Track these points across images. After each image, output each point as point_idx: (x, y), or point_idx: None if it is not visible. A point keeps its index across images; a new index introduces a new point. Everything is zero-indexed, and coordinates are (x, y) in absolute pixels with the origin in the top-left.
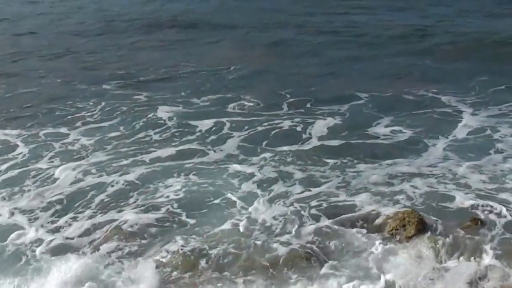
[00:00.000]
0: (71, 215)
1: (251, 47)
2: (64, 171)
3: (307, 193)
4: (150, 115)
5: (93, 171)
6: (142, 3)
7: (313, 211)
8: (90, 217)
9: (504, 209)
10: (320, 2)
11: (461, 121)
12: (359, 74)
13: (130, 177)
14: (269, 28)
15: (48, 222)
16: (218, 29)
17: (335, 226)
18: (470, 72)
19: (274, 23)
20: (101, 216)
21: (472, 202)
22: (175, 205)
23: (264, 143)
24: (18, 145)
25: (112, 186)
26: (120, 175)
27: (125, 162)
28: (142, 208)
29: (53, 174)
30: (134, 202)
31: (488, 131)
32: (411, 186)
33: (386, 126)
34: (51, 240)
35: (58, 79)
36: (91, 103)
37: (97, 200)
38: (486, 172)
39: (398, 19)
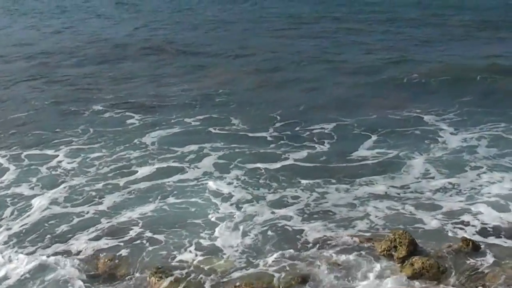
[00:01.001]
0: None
1: (240, 71)
2: (39, 198)
3: (274, 215)
4: (136, 139)
5: (69, 197)
6: (130, 31)
7: (276, 234)
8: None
9: (482, 227)
10: (305, 27)
11: (441, 141)
12: (346, 97)
13: (104, 201)
14: (257, 54)
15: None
16: (206, 55)
17: (304, 252)
18: (451, 94)
19: (262, 49)
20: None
21: (449, 221)
22: (145, 227)
23: (243, 164)
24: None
25: (83, 215)
26: (93, 200)
27: (102, 185)
28: (109, 231)
29: (27, 202)
30: (103, 226)
31: (467, 151)
32: (376, 207)
33: (368, 148)
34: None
35: (49, 102)
36: (81, 127)
37: (64, 228)
38: (463, 191)
39: (381, 44)
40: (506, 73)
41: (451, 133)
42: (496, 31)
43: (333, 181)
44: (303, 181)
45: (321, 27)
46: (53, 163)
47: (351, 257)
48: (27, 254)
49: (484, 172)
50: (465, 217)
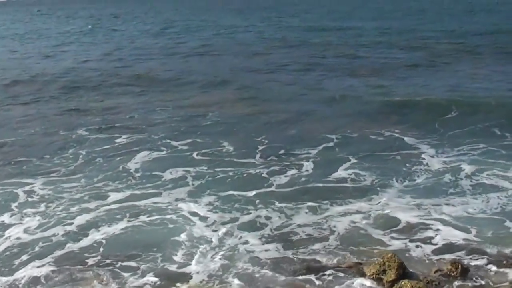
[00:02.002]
0: None
1: (226, 94)
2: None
3: (249, 240)
4: (120, 163)
5: (40, 223)
6: (115, 57)
7: (251, 259)
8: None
9: (469, 250)
10: (291, 52)
11: (422, 162)
12: (330, 118)
13: (72, 225)
14: (243, 77)
15: None
16: (193, 81)
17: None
18: (432, 115)
19: (248, 75)
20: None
21: (433, 245)
22: (110, 250)
23: (221, 187)
24: None
25: (51, 239)
26: (63, 222)
27: (75, 209)
28: (70, 256)
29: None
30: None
31: (447, 173)
32: (357, 232)
33: (349, 169)
34: None
35: (36, 125)
36: (66, 151)
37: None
38: (445, 215)
39: (366, 63)
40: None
41: (431, 156)
42: (479, 57)
43: (313, 205)
44: (281, 205)
45: (306, 52)
46: (34, 187)
47: (337, 281)
48: None
49: (465, 195)
50: (450, 240)
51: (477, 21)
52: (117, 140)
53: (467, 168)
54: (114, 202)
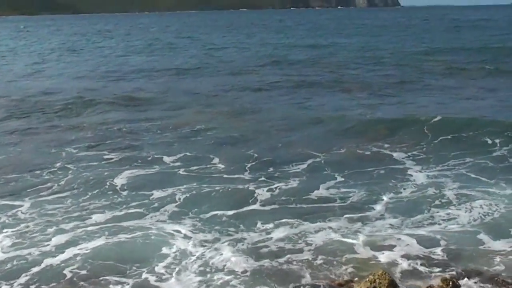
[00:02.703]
0: None
1: (214, 112)
2: None
3: (231, 259)
4: (107, 180)
5: (15, 241)
6: (102, 78)
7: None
8: None
9: (460, 266)
10: (280, 69)
11: (408, 179)
12: (318, 135)
13: (49, 245)
14: (232, 93)
15: None
16: (183, 98)
17: None
18: (419, 132)
19: (236, 89)
20: None
21: (422, 260)
22: (87, 269)
23: (208, 204)
24: None
25: (26, 258)
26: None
27: (53, 229)
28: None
29: None
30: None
31: (432, 189)
32: (343, 250)
33: (335, 187)
34: None
35: (23, 142)
36: (54, 168)
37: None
38: (429, 230)
39: (354, 80)
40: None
41: (417, 172)
42: (467, 74)
43: (299, 222)
44: (266, 223)
45: (293, 69)
46: (17, 206)
47: None
48: None
49: (451, 211)
50: (441, 256)
51: (464, 37)
52: (105, 157)
53: (455, 185)
54: (97, 221)
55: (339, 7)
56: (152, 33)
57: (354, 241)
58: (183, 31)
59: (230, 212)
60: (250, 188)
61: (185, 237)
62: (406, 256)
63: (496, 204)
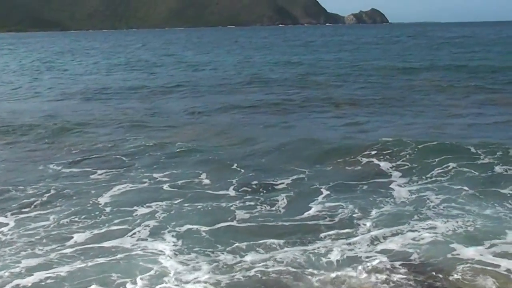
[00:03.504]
0: None
1: (200, 129)
2: None
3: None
4: (91, 198)
5: None
6: (88, 95)
7: None
8: None
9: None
10: (263, 82)
11: (393, 192)
12: (306, 151)
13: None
14: (216, 112)
15: None
16: (166, 115)
17: None
18: (403, 146)
19: (220, 107)
20: None
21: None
22: None
23: (191, 221)
24: None
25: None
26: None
27: (25, 253)
28: None
29: None
30: None
31: (415, 204)
32: (328, 270)
33: (319, 204)
34: None
35: (8, 159)
36: (39, 185)
37: None
38: (414, 246)
39: (340, 97)
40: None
41: (401, 185)
42: (452, 91)
43: (283, 241)
44: (247, 242)
45: (279, 87)
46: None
47: None
48: None
49: (429, 223)
50: (416, 269)
51: (442, 55)
52: (90, 175)
53: (438, 199)
54: (77, 241)
55: (327, 24)
56: (134, 51)
57: (337, 260)
58: (165, 49)
59: (213, 230)
60: (234, 206)
61: (166, 256)
62: (394, 276)
63: (475, 218)
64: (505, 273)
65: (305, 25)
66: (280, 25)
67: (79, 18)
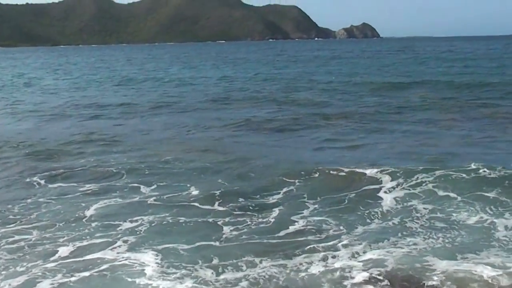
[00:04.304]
0: None
1: (192, 144)
2: None
3: None
4: (77, 211)
5: None
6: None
7: None
8: None
9: None
10: (250, 100)
11: (380, 203)
12: (291, 161)
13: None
14: (208, 127)
15: None
16: (152, 133)
17: None
18: (391, 158)
19: (212, 124)
20: None
21: None
22: None
23: (175, 237)
24: None
25: None
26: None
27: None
28: None
29: None
30: None
31: (404, 214)
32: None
33: (305, 218)
34: None
35: None
36: (26, 199)
37: None
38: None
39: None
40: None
41: (385, 192)
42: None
43: (265, 258)
44: (231, 260)
45: (266, 103)
46: None
47: None
48: None
49: (414, 234)
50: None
51: (431, 71)
52: (77, 188)
53: (425, 210)
54: (61, 255)
55: (316, 38)
56: (117, 68)
57: (315, 273)
58: (149, 64)
59: (196, 246)
60: (220, 221)
61: (149, 271)
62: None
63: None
64: (482, 284)
65: (296, 39)
66: (271, 40)
67: (69, 33)
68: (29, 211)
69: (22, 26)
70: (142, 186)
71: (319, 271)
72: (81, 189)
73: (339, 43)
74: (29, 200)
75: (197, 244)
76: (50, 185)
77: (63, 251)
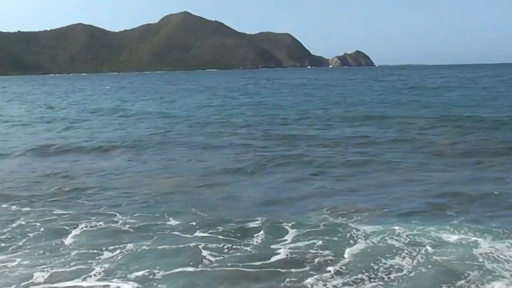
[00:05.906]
0: None
1: (174, 173)
2: None
3: None
4: (57, 238)
5: None
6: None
7: None
8: None
9: None
10: (237, 127)
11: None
12: (276, 194)
13: None
14: (196, 154)
15: None
16: (144, 155)
17: None
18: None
19: (201, 151)
20: None
21: None
22: None
23: (154, 265)
24: None
25: None
26: None
27: None
28: None
29: None
30: None
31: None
32: None
33: (287, 244)
34: None
35: None
36: (2, 224)
37: None
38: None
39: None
40: None
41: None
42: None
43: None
44: None
45: (256, 130)
46: None
47: None
48: None
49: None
50: None
51: (418, 99)
52: (58, 213)
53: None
54: (35, 281)
55: (309, 66)
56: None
57: None
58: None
59: (175, 272)
60: (199, 247)
61: None
62: None
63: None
64: None
65: (289, 68)
66: (263, 68)
67: (60, 61)
68: (5, 236)
69: (14, 54)
70: (118, 215)
71: None
72: (57, 216)
73: (330, 72)
74: (4, 224)
75: (176, 271)
76: (26, 209)
77: (41, 276)
